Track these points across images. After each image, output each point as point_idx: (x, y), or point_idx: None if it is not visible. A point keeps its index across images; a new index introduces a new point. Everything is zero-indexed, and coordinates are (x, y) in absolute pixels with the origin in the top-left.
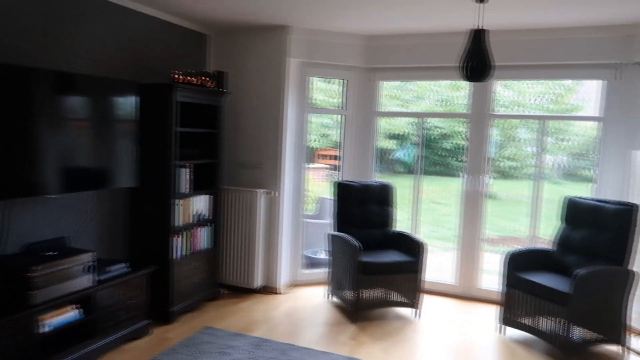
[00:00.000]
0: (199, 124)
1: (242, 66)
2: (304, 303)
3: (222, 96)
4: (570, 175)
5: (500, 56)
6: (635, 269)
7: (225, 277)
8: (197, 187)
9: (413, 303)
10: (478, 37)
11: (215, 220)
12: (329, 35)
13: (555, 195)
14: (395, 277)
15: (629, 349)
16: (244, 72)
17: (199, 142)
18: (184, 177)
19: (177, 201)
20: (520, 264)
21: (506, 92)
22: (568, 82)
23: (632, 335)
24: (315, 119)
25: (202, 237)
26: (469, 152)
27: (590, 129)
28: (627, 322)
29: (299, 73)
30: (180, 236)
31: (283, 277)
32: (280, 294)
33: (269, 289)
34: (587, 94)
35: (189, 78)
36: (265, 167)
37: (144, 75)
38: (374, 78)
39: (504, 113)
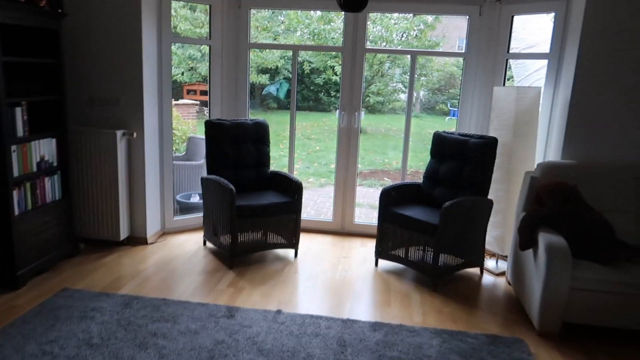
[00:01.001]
0: (32, 54)
1: None
2: (177, 252)
3: (59, 18)
4: (430, 109)
5: None
6: (490, 197)
7: (85, 230)
8: (38, 130)
9: (292, 244)
10: None
11: (64, 167)
12: None
13: (417, 128)
14: (273, 218)
15: (485, 269)
16: None
17: (35, 76)
18: (19, 117)
19: (12, 147)
20: (394, 198)
21: (374, 27)
22: (429, 19)
23: (487, 257)
24: (180, 51)
25: (50, 188)
26: (342, 87)
27: (448, 65)
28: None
29: None
30: (22, 188)
31: (152, 225)
32: (150, 244)
33: (136, 240)
34: (446, 31)
35: None
36: (123, 104)
37: None
38: (243, 5)
39: (376, 47)
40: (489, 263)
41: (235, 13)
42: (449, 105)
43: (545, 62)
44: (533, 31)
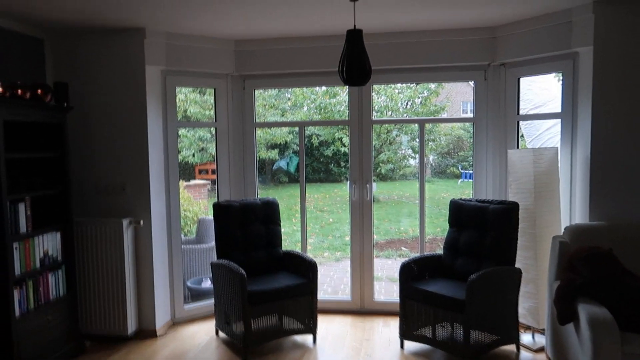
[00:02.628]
0: (36, 148)
1: (89, 76)
2: (189, 344)
3: (63, 112)
4: (440, 173)
5: (374, 60)
6: (517, 265)
7: (90, 326)
8: (41, 224)
9: (309, 328)
10: (354, 38)
11: (68, 260)
12: (192, 39)
13: (430, 193)
14: (287, 302)
15: (521, 345)
16: (92, 83)
17: (39, 170)
18: (22, 213)
19: (14, 244)
20: (414, 272)
21: (378, 98)
22: (432, 86)
23: (522, 330)
24: (191, 133)
25: (53, 284)
26: (351, 160)
27: (455, 128)
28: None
29: (162, 82)
30: (23, 287)
31: (161, 316)
32: (159, 336)
33: (145, 333)
34: (449, 96)
35: (16, 91)
36: (129, 192)
37: None
38: (247, 86)
39: (382, 118)
40: (525, 338)
41: (240, 94)
42: (459, 167)
43: (555, 120)
44: (539, 91)
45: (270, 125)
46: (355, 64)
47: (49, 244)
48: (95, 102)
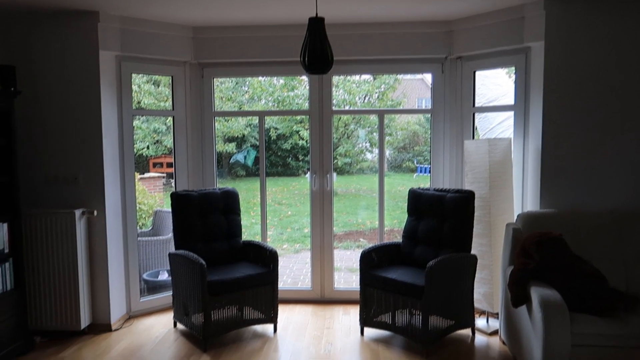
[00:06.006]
0: None
1: (40, 61)
2: (145, 338)
3: (11, 97)
4: (397, 167)
5: (335, 51)
6: (473, 252)
7: (41, 322)
8: None
9: (270, 318)
10: (316, 27)
11: (16, 253)
12: (148, 24)
13: (387, 186)
14: (248, 292)
15: (476, 329)
16: (43, 68)
17: None
18: None
19: None
20: (374, 261)
21: (337, 91)
22: (390, 81)
23: (477, 315)
24: (145, 125)
25: (0, 278)
26: (311, 150)
27: (411, 124)
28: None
29: (117, 69)
30: None
31: (116, 309)
32: (114, 330)
33: (99, 327)
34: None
35: None
36: (82, 182)
37: None
38: (206, 74)
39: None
40: (480, 322)
41: (198, 83)
42: (415, 162)
43: (507, 114)
44: (492, 86)
45: (230, 114)
46: (318, 51)
47: None
48: (47, 88)
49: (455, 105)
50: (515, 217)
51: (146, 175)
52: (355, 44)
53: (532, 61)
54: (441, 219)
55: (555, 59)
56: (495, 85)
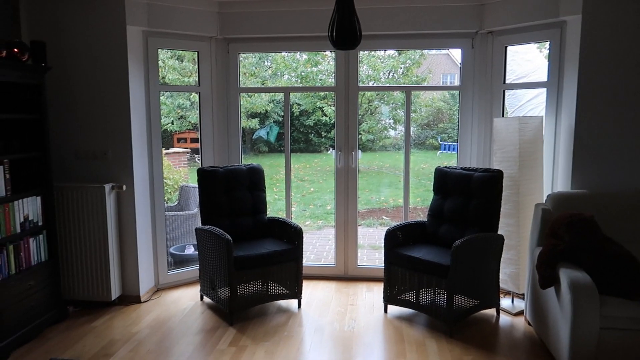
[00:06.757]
0: (14, 109)
1: (68, 36)
2: (173, 310)
3: (42, 73)
4: (420, 144)
5: (363, 25)
6: (500, 232)
7: (73, 292)
8: (21, 188)
9: (294, 293)
10: (345, 1)
11: (49, 226)
12: None
13: (410, 164)
14: (273, 268)
15: (501, 309)
16: (71, 44)
17: (16, 132)
18: (0, 176)
19: None
20: (399, 239)
21: (360, 67)
22: (415, 56)
23: (502, 295)
24: (169, 101)
25: (35, 249)
26: (336, 128)
27: (436, 100)
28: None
29: (144, 44)
30: (4, 251)
31: (145, 282)
32: (143, 302)
33: (129, 299)
34: (430, 67)
35: None
36: (111, 157)
37: None
38: (232, 50)
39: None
40: (504, 302)
41: (224, 58)
42: (439, 139)
43: (537, 91)
44: (522, 62)
45: (255, 90)
46: (346, 27)
47: (29, 208)
48: (75, 64)
49: (484, 82)
50: (544, 198)
51: (171, 150)
52: (382, 18)
53: (568, 36)
54: (468, 198)
55: (593, 33)
56: (525, 60)
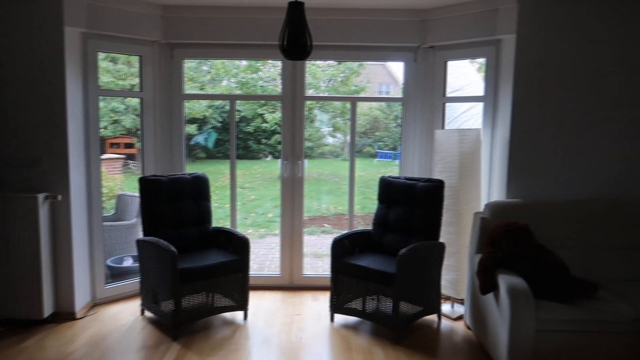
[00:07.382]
0: None
1: (1, 34)
2: (112, 325)
3: None
4: (357, 152)
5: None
6: (441, 240)
7: (1, 310)
8: None
9: (241, 305)
10: (296, 11)
11: None
12: (116, 0)
13: (347, 171)
14: (219, 279)
15: (442, 315)
16: (4, 45)
17: None
18: None
19: None
20: (346, 248)
21: None
22: (354, 66)
23: (443, 301)
24: (103, 104)
25: None
26: (283, 137)
27: (373, 109)
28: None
29: (82, 46)
30: None
31: (81, 297)
32: (79, 318)
33: (63, 316)
34: (368, 77)
35: None
36: (46, 164)
37: None
38: (176, 55)
39: (315, 95)
40: (445, 307)
41: (168, 64)
42: (375, 147)
43: (472, 104)
44: (458, 76)
45: (201, 97)
46: (298, 38)
47: None
48: (8, 67)
49: (426, 95)
50: (482, 206)
51: (104, 156)
52: (328, 29)
53: (503, 54)
54: (412, 207)
55: (526, 52)
56: (461, 74)
